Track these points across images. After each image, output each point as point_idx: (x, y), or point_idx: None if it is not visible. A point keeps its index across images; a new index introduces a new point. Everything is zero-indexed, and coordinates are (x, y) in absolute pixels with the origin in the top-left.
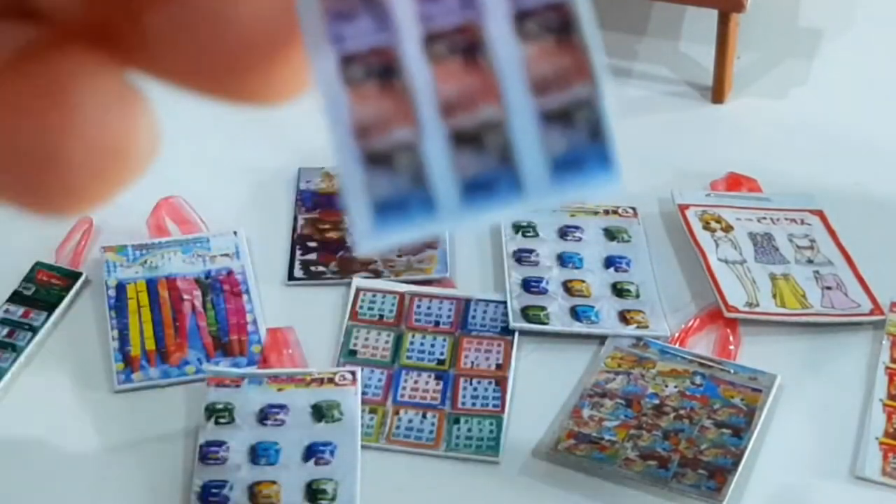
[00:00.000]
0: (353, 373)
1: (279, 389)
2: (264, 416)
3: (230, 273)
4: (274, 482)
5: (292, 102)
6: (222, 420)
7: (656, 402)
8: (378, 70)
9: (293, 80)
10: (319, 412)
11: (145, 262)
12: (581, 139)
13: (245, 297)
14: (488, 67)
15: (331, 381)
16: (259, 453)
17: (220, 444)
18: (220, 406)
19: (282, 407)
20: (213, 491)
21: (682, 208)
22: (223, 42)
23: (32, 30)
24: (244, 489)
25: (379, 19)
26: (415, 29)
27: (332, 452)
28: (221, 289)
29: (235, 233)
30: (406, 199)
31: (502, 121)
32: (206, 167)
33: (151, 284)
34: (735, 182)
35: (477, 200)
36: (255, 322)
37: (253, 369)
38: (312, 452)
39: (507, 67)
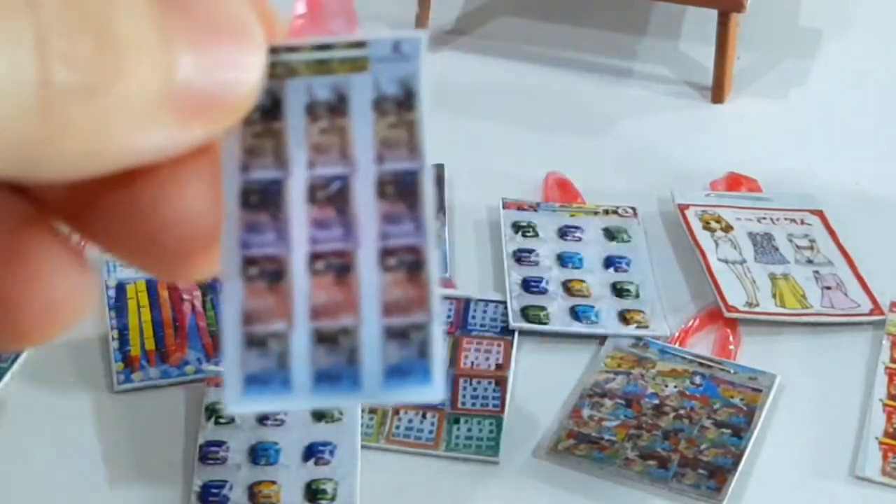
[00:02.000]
0: None
1: None
2: (264, 415)
3: None
4: (274, 482)
5: (205, 279)
6: (222, 420)
7: (656, 402)
8: (270, 273)
9: (209, 267)
10: (319, 412)
11: None
12: (412, 354)
13: None
14: (354, 286)
15: None
16: (259, 453)
17: (220, 444)
18: (220, 406)
19: None
20: (213, 491)
21: (682, 208)
22: (161, 234)
23: (19, 201)
24: (244, 489)
25: (279, 235)
26: (304, 247)
27: (331, 452)
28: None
29: None
30: (270, 377)
31: (355, 330)
32: None
33: (151, 285)
34: (735, 182)
35: (324, 388)
36: None
37: None
38: (312, 452)
39: (367, 289)
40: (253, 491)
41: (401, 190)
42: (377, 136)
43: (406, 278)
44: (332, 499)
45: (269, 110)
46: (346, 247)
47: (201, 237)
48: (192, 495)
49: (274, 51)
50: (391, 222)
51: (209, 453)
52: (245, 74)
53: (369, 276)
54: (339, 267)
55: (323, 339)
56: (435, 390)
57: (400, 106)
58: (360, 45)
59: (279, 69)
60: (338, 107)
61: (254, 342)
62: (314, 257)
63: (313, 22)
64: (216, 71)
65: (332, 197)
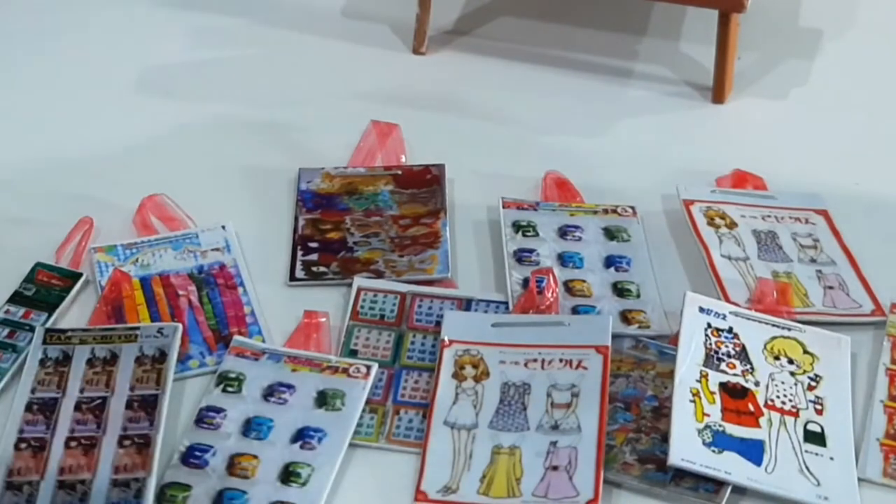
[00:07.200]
0: (368, 367)
1: (293, 370)
2: (270, 392)
3: (223, 267)
4: (255, 456)
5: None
6: (230, 389)
7: (655, 404)
8: (34, 447)
9: None
10: (323, 399)
11: (136, 260)
12: (129, 497)
13: (240, 289)
14: (95, 456)
15: (345, 371)
16: (252, 427)
17: (220, 410)
18: (232, 375)
19: (289, 387)
20: (197, 454)
21: (687, 203)
22: None
23: None
24: (225, 458)
25: (47, 427)
26: (65, 434)
27: (319, 440)
28: (216, 283)
29: (224, 227)
30: None
31: (90, 481)
32: (208, 168)
33: (146, 282)
34: (741, 179)
35: None
36: (253, 314)
37: (276, 347)
38: (302, 436)
39: (105, 457)
40: (233, 461)
41: (144, 405)
42: (133, 376)
43: (136, 451)
44: (304, 483)
45: (62, 361)
46: (95, 434)
47: None
48: (175, 453)
49: (68, 339)
50: (132, 422)
51: (206, 417)
52: None
53: (108, 450)
54: (87, 445)
55: (63, 486)
56: None
57: (154, 361)
58: (134, 328)
59: (73, 339)
60: (110, 360)
61: (12, 487)
62: (70, 440)
63: None
64: None
65: (92, 408)
